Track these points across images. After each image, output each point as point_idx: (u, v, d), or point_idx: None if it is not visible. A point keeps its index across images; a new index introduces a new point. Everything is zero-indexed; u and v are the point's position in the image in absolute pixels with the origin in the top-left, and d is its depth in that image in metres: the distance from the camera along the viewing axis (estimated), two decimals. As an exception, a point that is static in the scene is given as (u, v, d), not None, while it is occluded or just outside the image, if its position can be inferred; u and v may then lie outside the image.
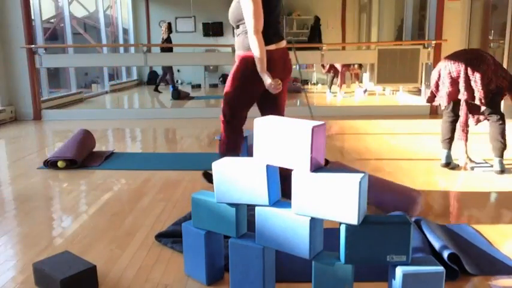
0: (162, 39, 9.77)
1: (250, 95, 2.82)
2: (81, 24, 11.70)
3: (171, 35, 9.83)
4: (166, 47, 9.26)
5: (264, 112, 2.92)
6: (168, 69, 10.20)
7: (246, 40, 2.67)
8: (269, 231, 1.64)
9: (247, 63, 2.70)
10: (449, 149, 3.63)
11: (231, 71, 2.83)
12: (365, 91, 9.26)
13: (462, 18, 6.37)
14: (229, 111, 2.87)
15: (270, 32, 2.67)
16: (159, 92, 10.30)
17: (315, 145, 1.53)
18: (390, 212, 2.43)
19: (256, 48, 2.59)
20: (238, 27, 2.75)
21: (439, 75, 3.52)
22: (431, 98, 3.69)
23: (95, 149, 4.34)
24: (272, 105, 2.87)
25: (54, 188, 3.36)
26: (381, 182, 2.81)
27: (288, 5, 12.50)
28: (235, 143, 2.98)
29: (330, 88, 9.34)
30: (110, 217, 2.69)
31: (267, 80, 2.61)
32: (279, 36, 2.76)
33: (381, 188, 2.71)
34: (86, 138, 4.17)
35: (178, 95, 9.05)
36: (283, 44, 2.78)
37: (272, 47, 2.68)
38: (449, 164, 3.61)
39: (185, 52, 10.03)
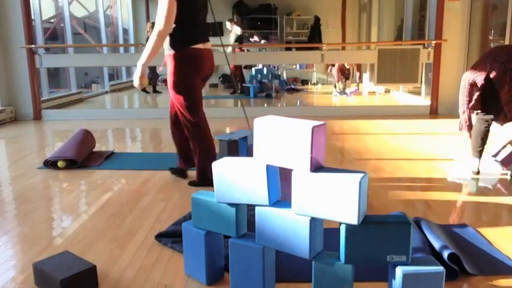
0: (147, 38, 9.78)
1: (196, 85, 3.01)
2: (81, 24, 11.71)
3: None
4: None
5: None
6: (150, 69, 10.30)
7: (171, 40, 2.90)
8: (269, 231, 1.64)
9: (178, 59, 2.91)
10: (481, 157, 3.44)
11: (168, 74, 2.99)
12: (350, 92, 9.24)
13: (462, 18, 6.37)
14: (190, 110, 3.02)
15: (197, 33, 2.94)
16: (159, 92, 10.30)
17: (315, 145, 1.53)
18: None
19: (150, 47, 2.83)
20: None
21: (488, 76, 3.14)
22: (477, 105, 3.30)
23: (95, 149, 4.35)
24: None
25: (54, 188, 3.36)
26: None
27: (288, 5, 12.51)
28: (208, 139, 3.12)
29: (336, 87, 9.41)
30: (110, 217, 2.69)
31: (138, 76, 2.87)
32: (205, 37, 3.02)
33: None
34: (86, 138, 4.17)
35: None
36: (208, 45, 3.05)
37: (200, 46, 2.93)
38: (479, 172, 3.46)
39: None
